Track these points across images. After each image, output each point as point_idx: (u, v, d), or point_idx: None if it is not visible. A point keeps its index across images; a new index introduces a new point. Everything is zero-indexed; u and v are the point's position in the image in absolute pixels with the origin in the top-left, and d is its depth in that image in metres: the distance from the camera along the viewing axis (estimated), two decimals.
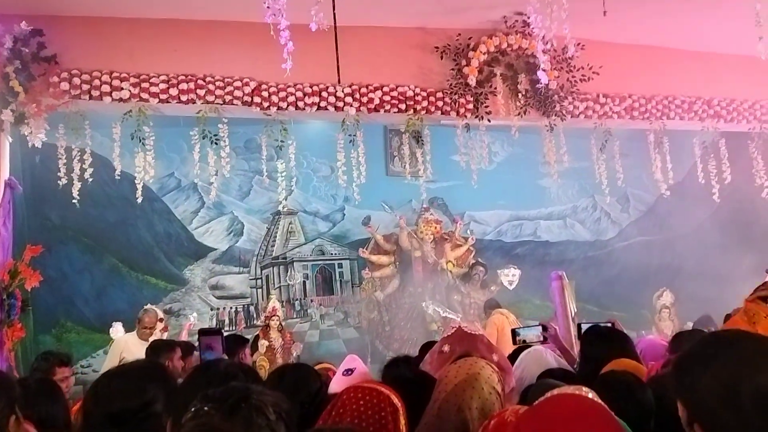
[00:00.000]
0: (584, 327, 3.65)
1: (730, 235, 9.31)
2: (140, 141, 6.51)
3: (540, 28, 4.93)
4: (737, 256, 9.22)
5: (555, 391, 1.36)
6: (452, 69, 7.49)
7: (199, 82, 6.61)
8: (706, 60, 8.37)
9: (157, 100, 6.50)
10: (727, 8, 6.55)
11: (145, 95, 6.46)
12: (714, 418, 1.35)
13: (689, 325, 8.67)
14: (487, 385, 1.79)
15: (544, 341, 3.57)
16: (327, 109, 7.05)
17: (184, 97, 6.56)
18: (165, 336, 6.68)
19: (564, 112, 7.73)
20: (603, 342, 3.27)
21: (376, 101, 7.20)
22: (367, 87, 7.19)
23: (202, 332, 3.81)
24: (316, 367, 3.69)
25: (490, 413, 1.76)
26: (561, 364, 3.28)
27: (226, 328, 8.44)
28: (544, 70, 5.09)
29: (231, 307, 8.57)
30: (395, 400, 1.78)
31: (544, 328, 3.71)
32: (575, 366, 3.39)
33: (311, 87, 6.95)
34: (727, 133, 8.61)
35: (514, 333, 3.75)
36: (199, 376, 1.91)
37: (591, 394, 1.36)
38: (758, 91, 8.29)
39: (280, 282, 8.82)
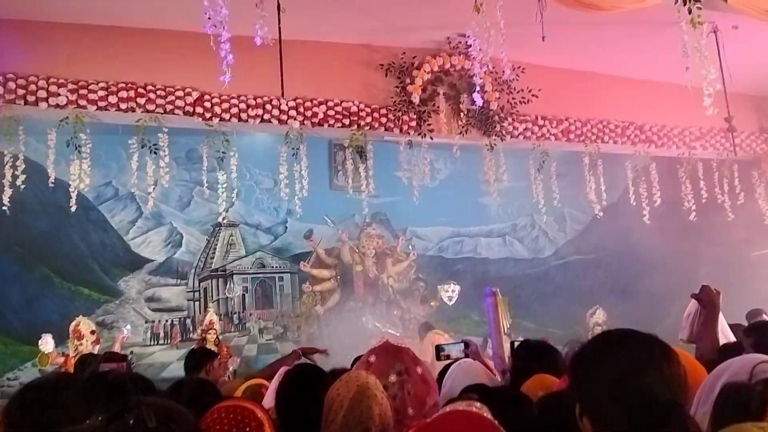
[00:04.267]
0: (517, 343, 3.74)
1: (660, 256, 9.65)
2: (76, 148, 6.38)
3: (479, 51, 5.06)
4: (666, 277, 9.57)
5: (448, 408, 1.42)
6: (396, 86, 7.61)
7: (140, 90, 6.52)
8: (639, 87, 8.71)
9: (95, 107, 6.39)
10: (659, 38, 6.84)
11: (83, 102, 6.34)
12: (601, 412, 1.43)
13: None
14: (379, 392, 1.85)
15: (466, 357, 3.65)
16: (270, 121, 7.06)
17: (123, 105, 6.46)
18: (96, 350, 6.52)
19: (504, 132, 7.92)
20: (533, 357, 3.35)
21: (321, 115, 7.25)
22: (311, 101, 7.24)
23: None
24: (248, 383, 3.68)
25: (387, 419, 1.81)
26: (491, 377, 3.35)
27: (161, 342, 8.27)
28: (480, 93, 5.21)
29: (167, 320, 8.39)
30: (260, 414, 1.84)
31: (466, 345, 3.80)
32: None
33: (255, 99, 6.95)
34: (658, 157, 8.97)
35: (439, 348, 3.82)
36: (87, 389, 1.89)
37: (483, 411, 1.42)
38: (687, 118, 8.67)
39: (218, 295, 8.70)
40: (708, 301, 3.38)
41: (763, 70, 8.39)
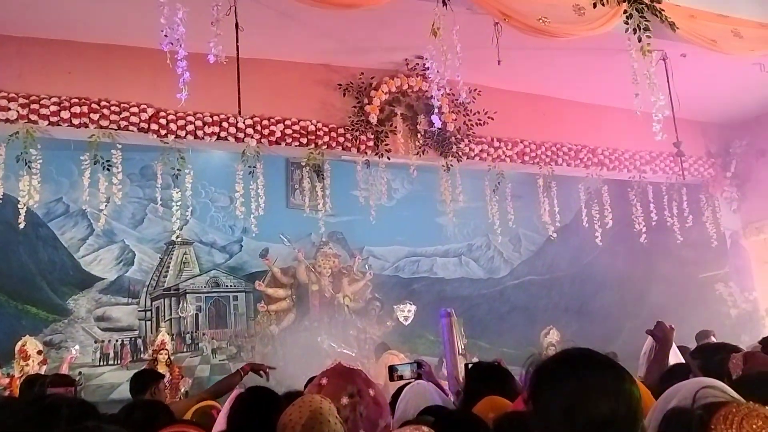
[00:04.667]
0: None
1: (612, 276, 9.85)
2: (26, 164, 6.23)
3: (436, 74, 5.13)
4: (618, 297, 9.78)
5: (397, 430, 1.42)
6: (354, 106, 7.64)
7: (93, 106, 6.40)
8: (591, 111, 8.92)
9: (47, 122, 6.25)
10: (610, 64, 7.01)
11: (34, 117, 6.19)
12: None
13: None
14: (332, 417, 1.84)
15: (419, 378, 3.66)
16: (227, 139, 7.00)
17: (76, 121, 6.33)
18: (43, 370, 6.33)
19: (460, 153, 8.01)
20: (486, 379, 3.37)
21: (278, 134, 7.22)
22: (269, 119, 7.21)
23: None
24: (198, 405, 3.61)
25: None
26: (444, 399, 3.36)
27: (111, 362, 8.08)
28: (438, 114, 5.27)
29: (117, 340, 8.20)
30: None
31: (419, 365, 3.81)
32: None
33: (212, 116, 6.89)
34: (610, 180, 9.18)
35: (392, 369, 3.82)
36: (23, 411, 1.85)
37: None
38: (637, 142, 8.89)
39: (171, 314, 8.54)
40: (662, 337, 3.46)
41: (710, 97, 8.68)
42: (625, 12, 5.58)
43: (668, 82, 7.12)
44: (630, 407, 1.43)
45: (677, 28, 5.72)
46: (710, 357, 3.26)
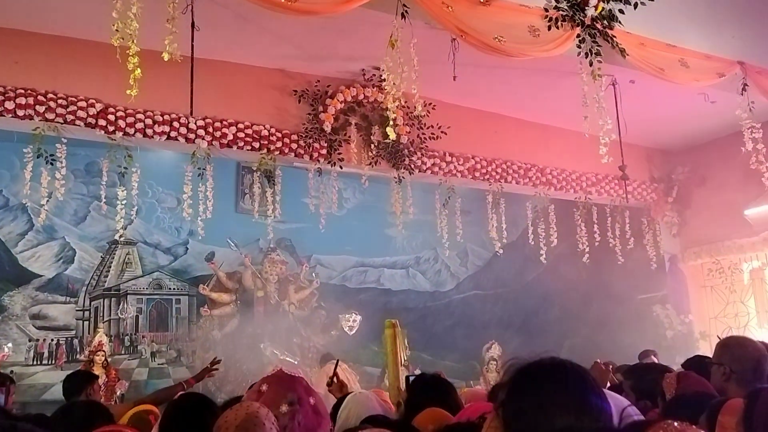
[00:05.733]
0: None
1: (554, 294, 10.03)
2: None
3: (392, 86, 5.16)
4: (559, 314, 9.96)
5: None
6: (309, 113, 7.62)
7: (40, 97, 6.22)
8: (541, 131, 9.11)
9: None
10: (562, 86, 7.18)
11: None
12: None
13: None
14: (268, 422, 1.82)
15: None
16: (177, 139, 6.89)
17: (21, 112, 6.14)
18: None
19: (412, 166, 8.06)
20: (427, 391, 3.39)
21: (230, 137, 7.14)
22: (221, 122, 7.13)
23: None
24: (135, 409, 3.54)
25: None
26: (385, 409, 3.36)
27: (45, 362, 7.82)
28: (392, 126, 5.30)
29: (52, 339, 7.94)
30: None
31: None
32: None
33: (162, 115, 6.77)
34: (557, 200, 9.36)
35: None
36: None
37: None
38: (584, 164, 9.11)
39: (110, 315, 8.32)
40: (597, 378, 3.53)
41: (656, 124, 8.95)
42: (578, 36, 5.72)
43: (617, 106, 7.33)
44: (597, 422, 1.45)
45: (627, 55, 5.88)
46: (642, 377, 3.33)
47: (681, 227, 10.20)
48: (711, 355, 3.20)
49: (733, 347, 3.00)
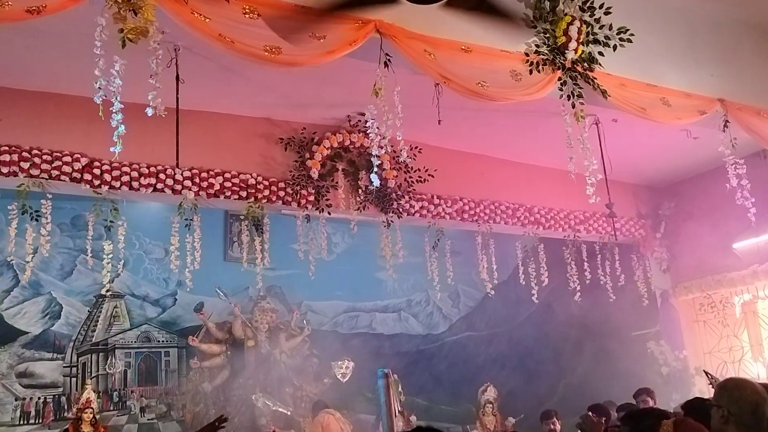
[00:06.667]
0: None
1: (547, 333, 9.97)
2: None
3: (377, 132, 5.18)
4: (553, 355, 9.87)
5: None
6: (296, 161, 7.62)
7: (24, 154, 6.18)
8: (527, 171, 9.15)
9: None
10: (546, 126, 7.23)
11: None
12: None
13: (511, 421, 9.08)
14: None
15: None
16: (164, 191, 6.85)
17: (5, 169, 6.09)
18: None
19: (401, 210, 8.06)
20: None
21: (217, 186, 7.12)
22: (207, 172, 7.11)
23: None
24: None
25: None
26: None
27: (32, 421, 7.66)
28: (378, 172, 5.31)
29: (39, 398, 7.79)
30: None
31: None
32: None
33: (148, 167, 6.75)
34: (546, 239, 9.36)
35: None
36: None
37: None
38: (572, 202, 9.14)
39: (98, 370, 8.19)
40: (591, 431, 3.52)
41: (640, 161, 9.02)
42: (559, 79, 5.78)
43: (600, 145, 7.38)
44: None
45: (609, 96, 5.94)
46: (639, 422, 3.29)
47: (671, 262, 10.20)
48: (707, 393, 3.17)
49: (732, 389, 2.99)
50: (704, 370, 6.75)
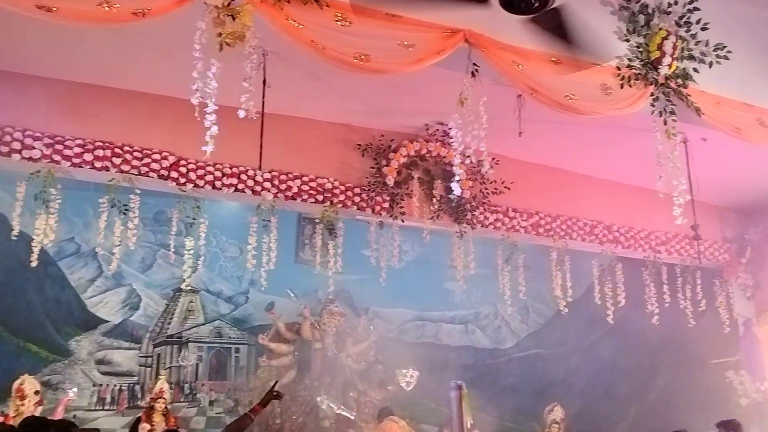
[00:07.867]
0: None
1: (621, 356, 9.67)
2: (44, 203, 6.24)
3: (459, 142, 5.15)
4: (625, 379, 9.56)
5: None
6: (372, 167, 7.67)
7: (116, 150, 6.46)
8: (608, 187, 8.93)
9: (69, 163, 6.31)
10: (629, 142, 7.06)
11: (57, 157, 6.25)
12: None
13: None
14: None
15: None
16: (244, 191, 7.03)
17: (98, 164, 6.38)
18: (38, 411, 6.19)
19: (474, 221, 7.99)
20: None
21: (295, 189, 7.24)
22: (287, 174, 7.24)
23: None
24: None
25: None
26: None
27: (107, 407, 7.91)
28: (458, 182, 5.27)
29: (115, 385, 8.03)
30: None
31: None
32: None
33: (231, 168, 6.93)
34: (624, 258, 9.10)
35: None
36: None
37: None
38: (653, 222, 8.87)
39: (171, 362, 8.39)
40: None
41: (728, 182, 8.68)
42: (652, 95, 5.63)
43: (688, 164, 7.13)
44: None
45: (703, 114, 5.75)
46: None
47: (756, 289, 9.78)
48: None
49: None
50: None
